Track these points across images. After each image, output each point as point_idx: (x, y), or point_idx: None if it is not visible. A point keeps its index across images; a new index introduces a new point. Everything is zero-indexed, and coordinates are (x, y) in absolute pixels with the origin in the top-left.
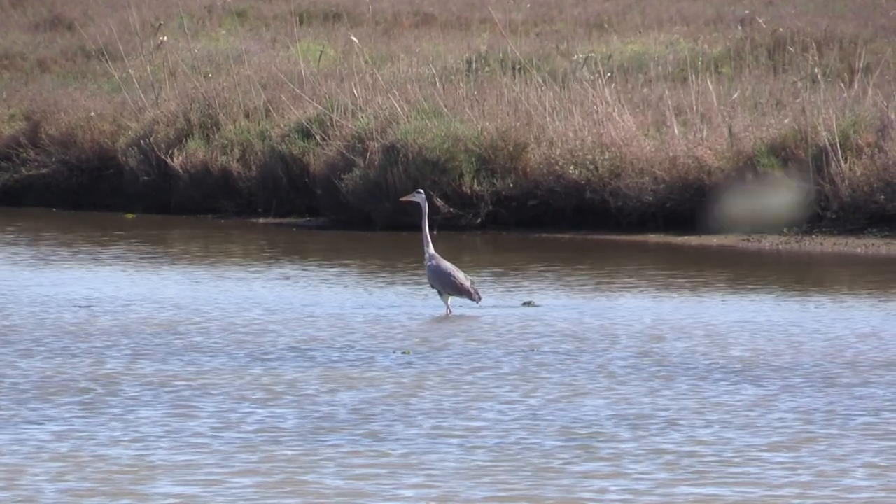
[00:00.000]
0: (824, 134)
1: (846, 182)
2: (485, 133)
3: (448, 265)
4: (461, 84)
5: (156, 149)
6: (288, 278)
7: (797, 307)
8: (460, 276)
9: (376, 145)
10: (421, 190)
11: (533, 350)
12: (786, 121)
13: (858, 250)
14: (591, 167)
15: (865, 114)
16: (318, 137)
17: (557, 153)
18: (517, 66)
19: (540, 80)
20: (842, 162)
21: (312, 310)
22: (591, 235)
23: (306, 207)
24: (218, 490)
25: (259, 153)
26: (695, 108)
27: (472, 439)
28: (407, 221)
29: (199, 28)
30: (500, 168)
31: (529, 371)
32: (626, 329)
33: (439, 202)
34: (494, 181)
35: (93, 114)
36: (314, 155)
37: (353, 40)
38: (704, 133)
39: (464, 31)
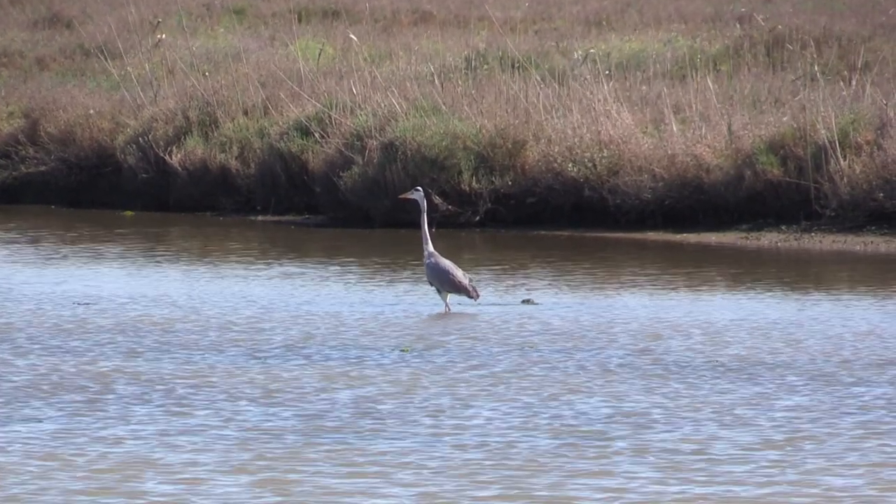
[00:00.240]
0: (823, 132)
1: (845, 180)
2: (483, 131)
3: (447, 263)
4: (460, 82)
5: (154, 146)
6: (286, 276)
7: (796, 305)
8: (459, 273)
9: (375, 143)
10: (420, 188)
11: (532, 347)
12: (785, 119)
13: (857, 248)
14: (590, 165)
15: (864, 112)
16: (316, 135)
17: (556, 151)
18: (516, 64)
19: (538, 78)
20: (841, 160)
21: (311, 307)
22: (590, 233)
23: (305, 205)
24: (210, 488)
25: (258, 151)
26: (693, 106)
27: (467, 437)
28: (406, 219)
29: (197, 26)
30: (498, 166)
31: (527, 369)
32: (624, 327)
33: (438, 200)
34: (493, 179)
35: (91, 111)
36: (313, 153)
37: (351, 38)
38: (703, 131)
39: (462, 28)
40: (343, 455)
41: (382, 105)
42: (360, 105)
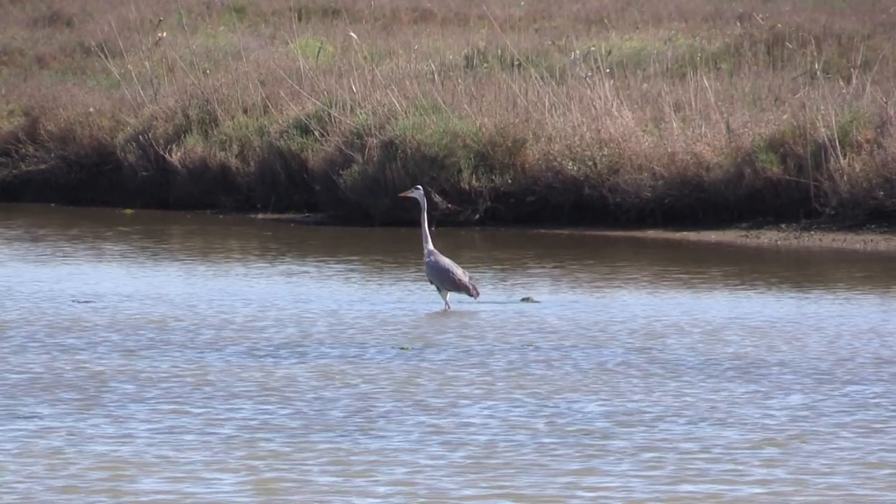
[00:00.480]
0: (823, 130)
1: (845, 178)
2: (483, 129)
3: (447, 261)
4: (460, 80)
5: (154, 144)
6: (286, 274)
7: (795, 303)
8: (458, 272)
9: (375, 141)
10: (419, 186)
11: (531, 346)
12: (784, 117)
13: (857, 246)
14: (590, 163)
15: (864, 110)
16: (316, 133)
17: (556, 149)
18: (516, 63)
19: (538, 77)
20: (841, 158)
21: (310, 306)
22: (590, 231)
23: (305, 203)
24: (204, 487)
25: (257, 149)
26: (693, 105)
27: (467, 436)
28: (405, 217)
29: (197, 24)
30: (498, 164)
31: (526, 367)
32: (623, 325)
33: (438, 198)
34: (493, 177)
35: (91, 110)
36: (313, 151)
37: (351, 36)
38: (703, 129)
39: (462, 27)
40: (338, 454)
41: (382, 103)
42: (359, 103)
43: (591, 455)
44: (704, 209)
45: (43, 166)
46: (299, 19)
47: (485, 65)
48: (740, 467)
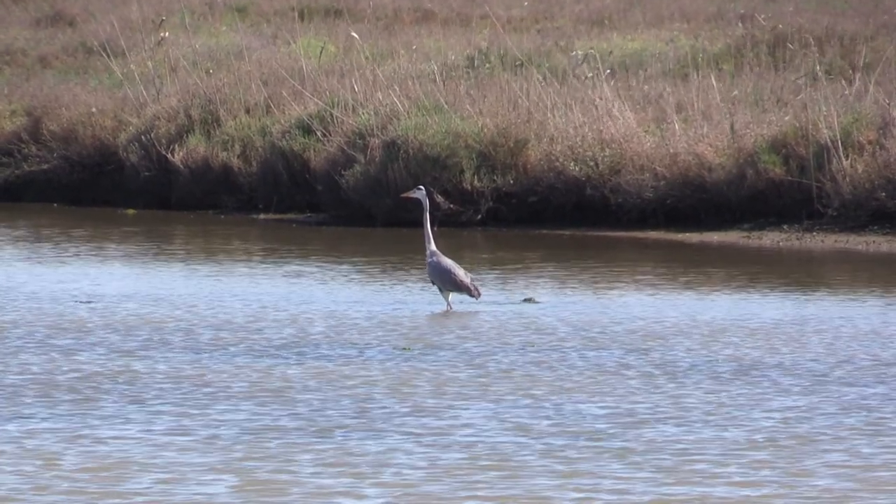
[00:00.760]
0: (825, 131)
1: (847, 179)
2: (485, 129)
3: (448, 262)
4: (462, 80)
5: (157, 144)
6: (288, 274)
7: (797, 305)
8: (460, 272)
9: (377, 141)
10: (422, 186)
11: (533, 347)
12: (787, 118)
13: (860, 247)
14: (592, 164)
15: (867, 111)
16: (318, 133)
17: (558, 150)
18: (518, 63)
19: (540, 77)
20: (843, 159)
21: (311, 306)
22: (592, 232)
23: (307, 203)
24: (200, 488)
25: (260, 149)
26: (695, 105)
27: (467, 437)
28: (407, 218)
29: (200, 24)
30: (500, 164)
31: (527, 368)
32: (625, 326)
33: (440, 198)
34: (495, 178)
35: (94, 110)
36: (315, 151)
37: (353, 36)
38: (705, 130)
39: (464, 27)
40: (337, 455)
41: (384, 103)
42: (361, 103)
43: (590, 457)
44: (706, 210)
45: (45, 166)
46: (301, 19)
47: (487, 65)
48: (739, 469)
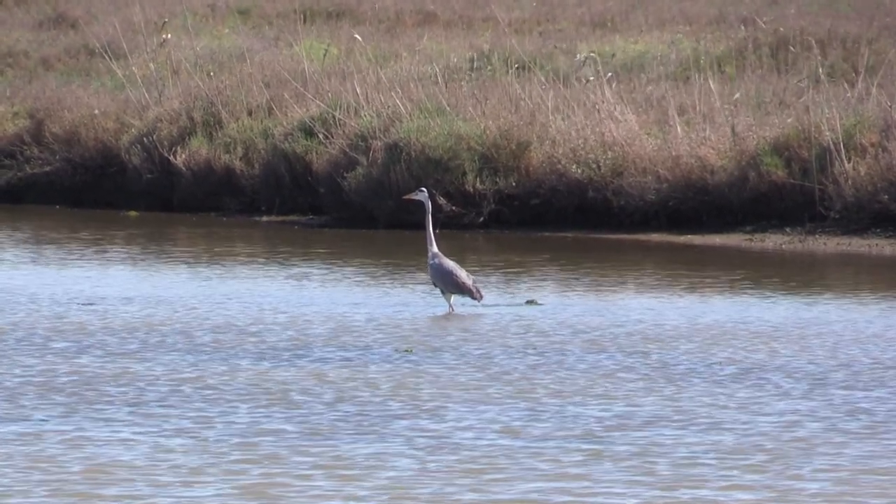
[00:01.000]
0: (828, 134)
1: (850, 182)
2: (487, 132)
3: (450, 264)
4: (464, 83)
5: (159, 147)
6: (290, 277)
7: (799, 307)
8: (462, 274)
9: (379, 144)
10: (424, 188)
11: (535, 349)
12: (789, 120)
13: (862, 250)
14: (594, 166)
15: (869, 114)
16: (321, 136)
17: (560, 152)
18: (520, 65)
19: (542, 79)
20: (845, 162)
21: (313, 308)
22: (594, 234)
23: (309, 206)
24: (198, 491)
25: (262, 151)
26: (697, 108)
27: (468, 438)
28: (410, 220)
29: (202, 26)
30: (502, 167)
31: (529, 371)
32: (627, 328)
33: (442, 201)
34: (497, 180)
35: (96, 112)
36: (317, 153)
37: (356, 38)
38: (707, 132)
39: (466, 29)
40: (335, 457)
41: (386, 106)
42: (364, 106)
43: (588, 459)
44: (709, 212)
45: (47, 168)
46: (304, 21)
47: (489, 67)
48: (737, 473)
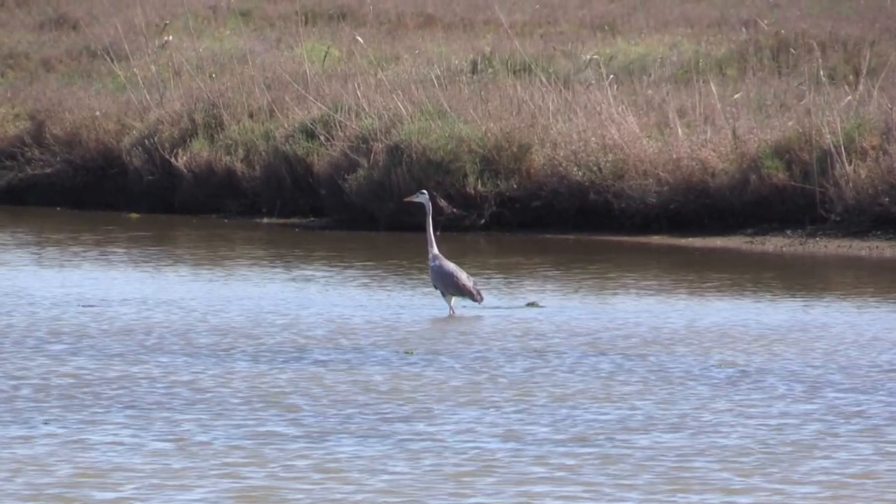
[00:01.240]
0: (829, 136)
1: (850, 184)
2: (489, 134)
3: (451, 266)
4: (465, 85)
5: (160, 148)
6: (291, 278)
7: (800, 310)
8: (463, 276)
9: (380, 146)
10: (425, 191)
11: (536, 351)
12: (790, 123)
13: (863, 253)
14: (595, 169)
15: (870, 116)
16: (322, 138)
17: (561, 154)
18: (521, 68)
19: (544, 82)
20: (846, 164)
21: (314, 310)
22: (595, 237)
23: (310, 208)
24: (193, 494)
25: (263, 153)
26: (698, 111)
27: (469, 440)
28: (410, 222)
29: (203, 28)
30: (503, 169)
31: (529, 373)
32: (628, 330)
33: (443, 203)
34: (498, 182)
35: (97, 113)
36: (318, 155)
37: (357, 40)
38: (708, 135)
39: (468, 31)
40: (333, 459)
41: (388, 108)
42: (365, 108)
43: (585, 463)
44: (710, 215)
45: (48, 170)
46: (305, 23)
47: (490, 70)
48: (733, 476)
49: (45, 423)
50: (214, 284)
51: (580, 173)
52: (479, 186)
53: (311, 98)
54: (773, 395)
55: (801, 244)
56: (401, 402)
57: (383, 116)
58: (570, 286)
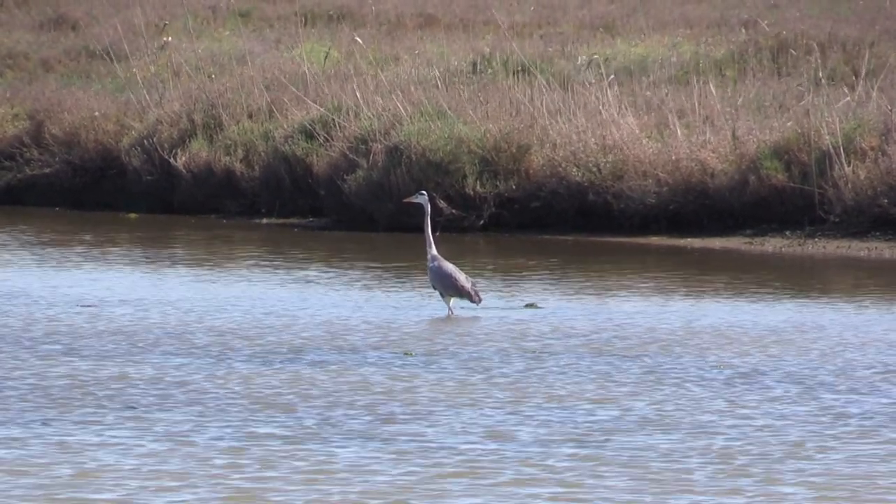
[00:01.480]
0: (828, 137)
1: (849, 185)
2: (488, 135)
3: (450, 267)
4: (464, 86)
5: (159, 149)
6: (290, 279)
7: (799, 311)
8: (461, 277)
9: (379, 146)
10: (423, 191)
11: (535, 352)
12: (789, 124)
13: (862, 254)
14: (594, 169)
15: (869, 117)
16: (321, 138)
17: (560, 155)
18: (521, 68)
19: (543, 83)
20: (845, 165)
21: (313, 310)
22: (594, 238)
23: (309, 208)
24: (182, 495)
25: (262, 154)
26: (698, 111)
27: (469, 441)
28: (409, 223)
29: (203, 28)
30: (503, 170)
31: (529, 373)
32: (627, 331)
33: (442, 204)
34: (497, 183)
35: (96, 114)
36: (317, 156)
37: (356, 41)
38: (707, 136)
39: (467, 32)
40: (330, 460)
41: (387, 108)
42: (364, 109)
43: (579, 464)
44: (709, 216)
45: (47, 170)
46: (304, 24)
47: (490, 70)
48: (728, 477)
49: (43, 424)
50: (213, 285)
51: (579, 174)
52: (479, 187)
53: (310, 99)
54: (770, 396)
55: (800, 245)
56: (398, 403)
57: (382, 117)
58: (569, 287)
